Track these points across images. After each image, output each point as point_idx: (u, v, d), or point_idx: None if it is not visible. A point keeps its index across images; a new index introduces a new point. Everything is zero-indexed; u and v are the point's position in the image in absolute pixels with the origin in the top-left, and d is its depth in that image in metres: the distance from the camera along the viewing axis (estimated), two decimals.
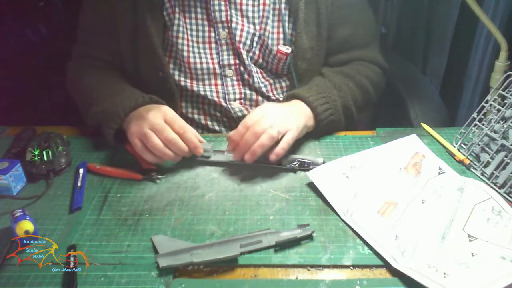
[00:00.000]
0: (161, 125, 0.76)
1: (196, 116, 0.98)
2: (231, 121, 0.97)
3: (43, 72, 1.37)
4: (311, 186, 0.76)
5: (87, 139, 0.91)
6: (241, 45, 0.92)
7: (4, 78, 1.30)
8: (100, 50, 0.96)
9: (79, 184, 0.77)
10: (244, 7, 0.91)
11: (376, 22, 1.04)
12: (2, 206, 0.73)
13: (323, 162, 0.80)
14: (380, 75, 1.02)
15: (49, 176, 0.78)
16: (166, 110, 0.79)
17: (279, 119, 0.77)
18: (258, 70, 0.95)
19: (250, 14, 0.91)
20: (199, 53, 0.92)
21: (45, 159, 0.79)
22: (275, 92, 0.97)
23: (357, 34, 0.97)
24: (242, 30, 0.91)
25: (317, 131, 0.89)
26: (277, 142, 0.77)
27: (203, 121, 0.98)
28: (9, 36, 1.34)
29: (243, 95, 0.96)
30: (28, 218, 0.64)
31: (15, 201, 0.74)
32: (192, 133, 0.77)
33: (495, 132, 0.79)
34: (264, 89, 0.96)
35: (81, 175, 0.79)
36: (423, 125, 0.93)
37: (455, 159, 0.83)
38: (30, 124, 0.93)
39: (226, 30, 0.91)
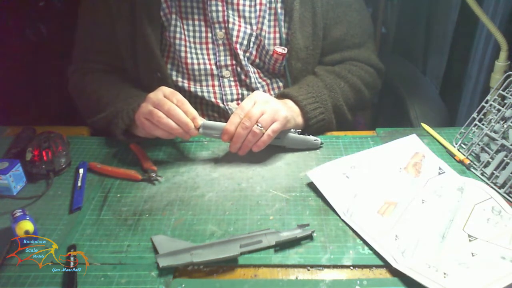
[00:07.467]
0: (161, 99, 0.78)
1: None
2: None
3: (43, 72, 1.37)
4: (311, 186, 0.76)
5: (87, 139, 0.91)
6: (238, 46, 0.92)
7: (4, 78, 1.30)
8: (100, 54, 0.97)
9: (79, 184, 0.77)
10: (241, 7, 0.91)
11: (371, 22, 1.03)
12: (2, 206, 0.73)
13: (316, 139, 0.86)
14: (374, 75, 1.01)
15: (49, 176, 0.78)
16: (164, 88, 0.81)
17: (268, 109, 0.79)
18: (255, 71, 0.95)
19: (247, 14, 0.91)
20: (196, 53, 0.92)
21: (45, 159, 0.79)
22: (272, 92, 0.97)
23: (352, 34, 0.97)
24: (239, 31, 0.91)
25: (308, 131, 0.89)
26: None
27: None
28: (9, 36, 1.34)
29: (240, 96, 0.96)
30: (28, 218, 0.64)
31: (15, 201, 0.74)
32: (189, 105, 0.80)
33: (495, 132, 0.79)
34: (261, 89, 0.96)
35: (81, 175, 0.79)
36: (423, 125, 0.93)
37: (455, 159, 0.83)
38: (30, 124, 0.93)
39: (223, 30, 0.91)
